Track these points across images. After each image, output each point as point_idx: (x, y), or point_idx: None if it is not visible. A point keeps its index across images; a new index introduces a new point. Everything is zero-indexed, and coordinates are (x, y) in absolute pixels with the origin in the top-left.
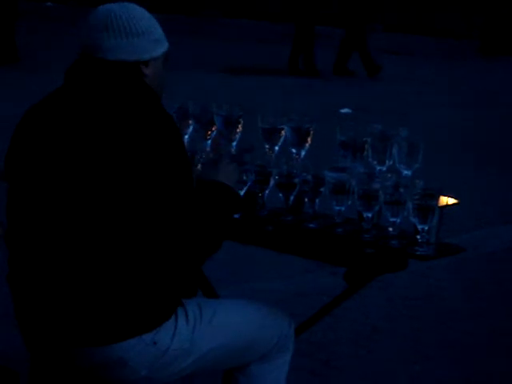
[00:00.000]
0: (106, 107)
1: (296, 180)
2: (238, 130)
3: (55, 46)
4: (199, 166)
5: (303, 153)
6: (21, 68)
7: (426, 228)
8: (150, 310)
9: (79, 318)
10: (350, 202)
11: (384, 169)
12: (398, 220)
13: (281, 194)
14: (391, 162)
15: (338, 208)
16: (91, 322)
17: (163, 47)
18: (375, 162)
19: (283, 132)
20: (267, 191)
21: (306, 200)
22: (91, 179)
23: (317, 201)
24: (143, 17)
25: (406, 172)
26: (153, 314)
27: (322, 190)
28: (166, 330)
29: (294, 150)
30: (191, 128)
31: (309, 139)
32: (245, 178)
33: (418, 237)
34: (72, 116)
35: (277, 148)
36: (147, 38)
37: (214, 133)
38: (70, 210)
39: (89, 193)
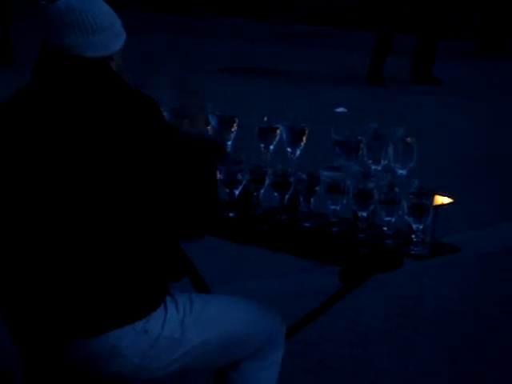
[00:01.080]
0: (83, 104)
1: (291, 179)
2: (232, 130)
3: None
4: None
5: (298, 152)
6: (15, 67)
7: (421, 227)
8: (140, 297)
9: (69, 310)
10: (344, 202)
11: (379, 168)
12: (393, 219)
13: (276, 193)
14: (386, 161)
15: (332, 207)
16: (81, 313)
17: (123, 39)
18: (370, 161)
19: (278, 131)
20: (262, 190)
21: (301, 199)
22: (75, 167)
23: (312, 200)
24: (104, 11)
25: (401, 171)
26: (142, 301)
27: (317, 189)
28: (157, 318)
29: (289, 149)
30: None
31: (304, 138)
32: (240, 177)
33: (413, 236)
34: (48, 115)
35: (272, 147)
36: (110, 33)
37: (209, 132)
38: (53, 202)
39: (72, 183)
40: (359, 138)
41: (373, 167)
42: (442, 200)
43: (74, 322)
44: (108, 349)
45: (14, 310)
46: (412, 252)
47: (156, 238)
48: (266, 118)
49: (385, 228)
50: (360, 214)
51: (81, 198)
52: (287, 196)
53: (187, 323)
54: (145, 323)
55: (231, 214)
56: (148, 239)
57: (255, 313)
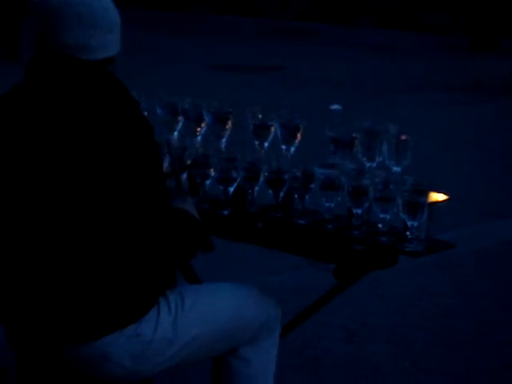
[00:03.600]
0: (79, 105)
1: (286, 176)
2: (227, 127)
3: None
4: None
5: (293, 149)
6: (18, 64)
7: (416, 224)
8: (132, 302)
9: (62, 316)
10: (339, 199)
11: (374, 165)
12: (388, 216)
13: (270, 191)
14: (381, 159)
15: (327, 204)
16: (73, 320)
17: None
18: (365, 159)
19: (273, 128)
20: (257, 188)
21: (296, 196)
22: (62, 171)
23: (306, 197)
24: (108, 8)
25: (395, 168)
26: (134, 306)
27: (311, 186)
28: (148, 322)
29: (283, 147)
30: (180, 124)
31: (298, 135)
32: (234, 174)
33: (408, 233)
34: (33, 116)
35: (266, 144)
36: (118, 32)
37: (204, 129)
38: (41, 205)
39: (62, 187)
40: (354, 135)
41: (367, 164)
42: (436, 197)
43: (65, 327)
44: (99, 354)
45: (9, 313)
46: (407, 249)
47: (147, 244)
48: (260, 116)
49: (380, 225)
50: (355, 211)
51: (68, 200)
52: (282, 193)
53: (180, 322)
54: (136, 327)
55: (225, 212)
56: (139, 245)
57: (248, 298)
